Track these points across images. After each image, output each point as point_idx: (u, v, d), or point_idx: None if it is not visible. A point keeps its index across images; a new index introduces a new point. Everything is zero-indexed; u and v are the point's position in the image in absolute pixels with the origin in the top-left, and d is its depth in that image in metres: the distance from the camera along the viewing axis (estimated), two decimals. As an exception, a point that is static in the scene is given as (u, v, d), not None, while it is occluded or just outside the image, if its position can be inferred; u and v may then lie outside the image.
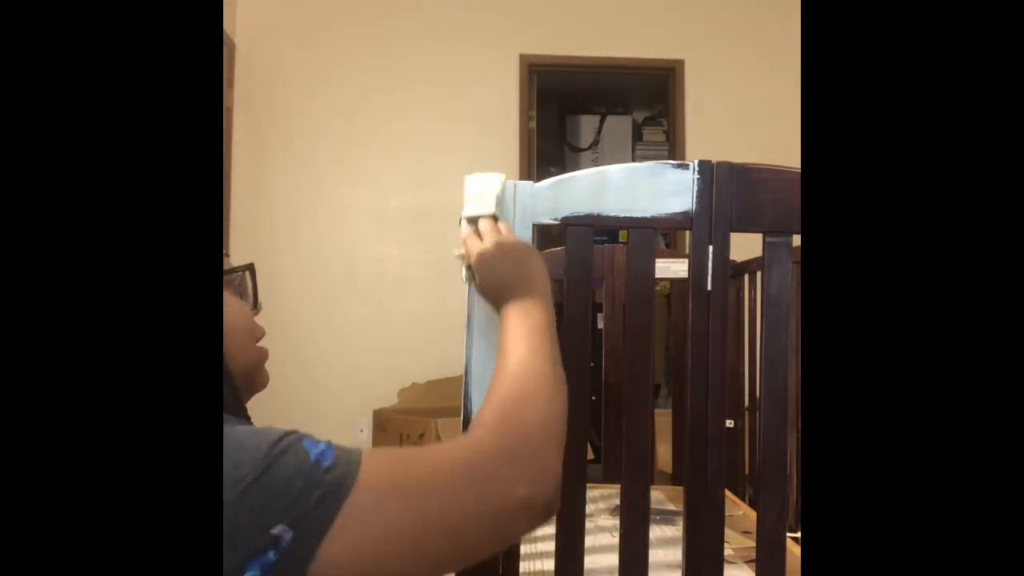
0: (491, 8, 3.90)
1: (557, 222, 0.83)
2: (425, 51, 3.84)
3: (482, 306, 0.81)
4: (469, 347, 0.81)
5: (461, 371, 0.82)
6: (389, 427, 3.25)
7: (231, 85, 3.69)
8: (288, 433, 0.54)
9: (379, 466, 0.54)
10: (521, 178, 0.81)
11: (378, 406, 3.40)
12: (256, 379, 0.72)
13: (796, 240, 0.80)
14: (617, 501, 0.79)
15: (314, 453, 0.53)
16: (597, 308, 1.93)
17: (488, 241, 0.75)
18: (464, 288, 0.81)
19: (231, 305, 0.68)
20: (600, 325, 1.94)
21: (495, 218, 0.79)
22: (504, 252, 0.74)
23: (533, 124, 3.94)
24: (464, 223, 0.79)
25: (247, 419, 0.67)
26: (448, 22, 3.87)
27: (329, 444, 0.55)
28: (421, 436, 3.06)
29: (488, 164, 4.05)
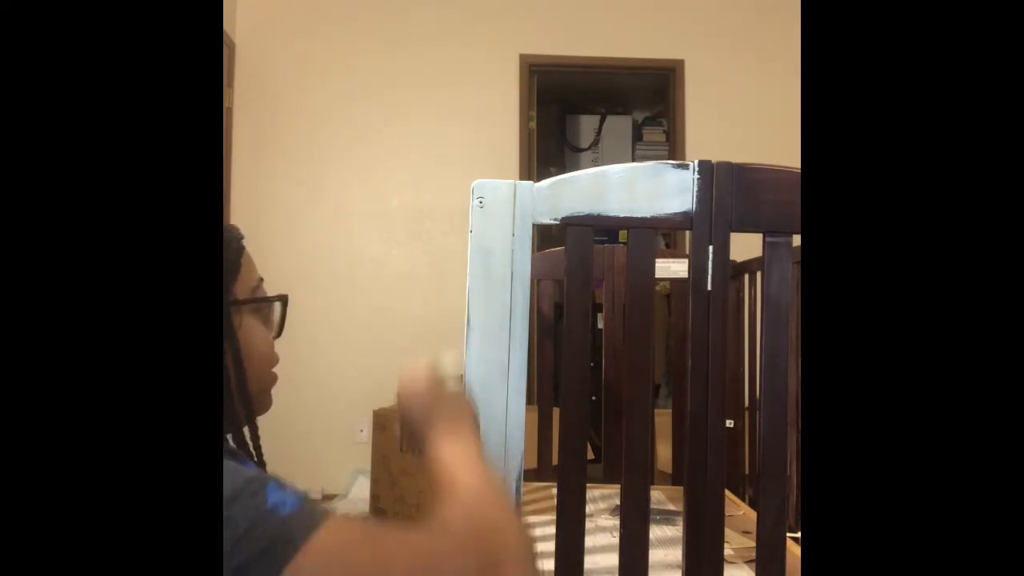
0: (491, 8, 3.90)
1: (557, 222, 0.83)
2: (425, 51, 3.84)
3: (480, 306, 0.81)
4: (469, 347, 0.81)
5: (461, 371, 0.82)
6: (389, 427, 3.25)
7: (231, 85, 3.69)
8: (256, 476, 0.52)
9: (340, 537, 0.51)
10: (521, 178, 0.81)
11: (378, 406, 3.40)
12: (262, 402, 0.73)
13: (796, 240, 0.80)
14: (617, 501, 0.80)
15: (272, 500, 0.51)
16: (597, 308, 1.94)
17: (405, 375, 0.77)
18: (464, 288, 0.81)
19: (255, 331, 0.70)
20: (600, 325, 1.94)
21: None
22: (407, 381, 0.78)
23: (533, 124, 3.94)
24: None
25: (255, 437, 0.68)
26: (448, 22, 3.87)
27: (301, 497, 0.52)
28: (421, 436, 3.06)
29: (488, 164, 4.05)
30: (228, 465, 0.53)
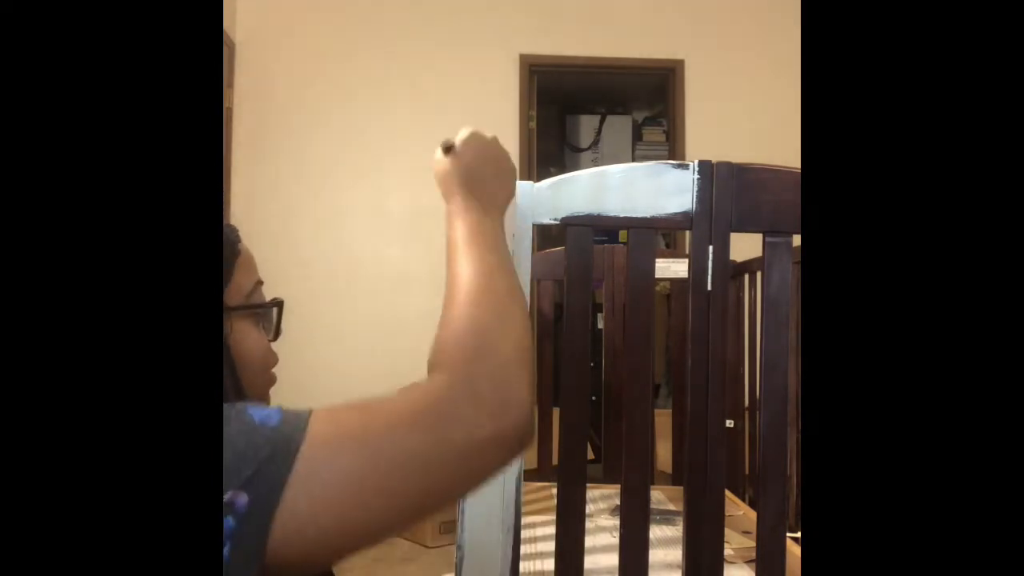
0: (491, 8, 3.90)
1: (557, 222, 0.83)
2: (425, 51, 3.84)
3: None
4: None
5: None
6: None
7: (231, 85, 3.69)
8: (233, 405, 0.53)
9: (330, 418, 0.53)
10: (521, 178, 0.81)
11: (378, 406, 3.40)
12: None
13: (796, 240, 0.80)
14: (617, 501, 0.80)
15: (259, 416, 0.52)
16: (597, 308, 1.94)
17: (485, 134, 0.75)
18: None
19: (249, 335, 0.69)
20: (600, 325, 1.94)
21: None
22: (496, 153, 0.75)
23: (533, 124, 3.94)
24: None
25: None
26: (448, 22, 3.87)
27: (279, 408, 0.54)
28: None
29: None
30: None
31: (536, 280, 1.83)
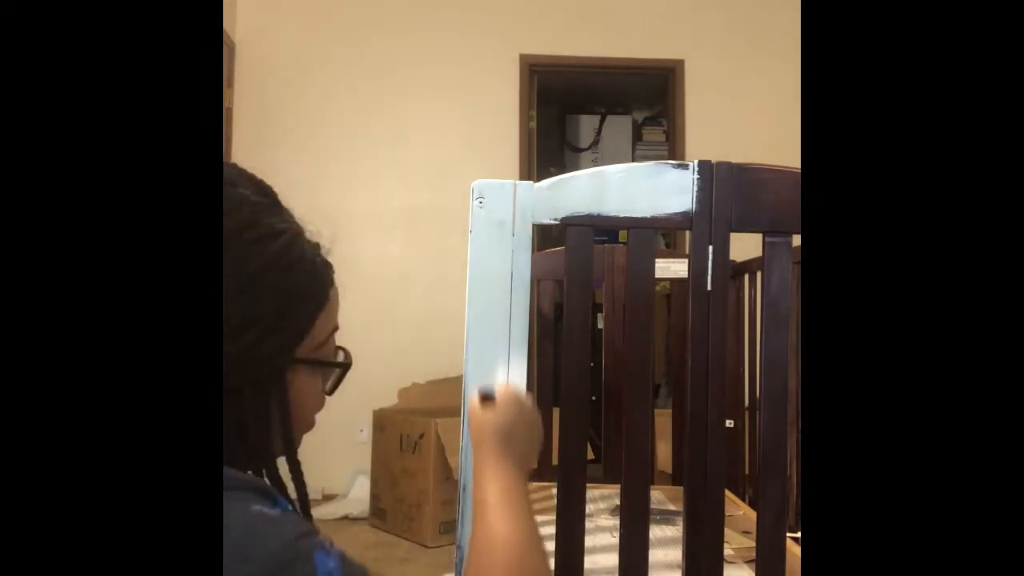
0: (491, 8, 3.90)
1: (557, 222, 0.83)
2: (425, 51, 3.84)
3: (480, 306, 0.81)
4: (469, 347, 0.81)
5: (461, 371, 0.82)
6: (389, 427, 3.25)
7: (231, 85, 3.69)
8: (302, 535, 0.52)
9: None
10: (521, 178, 0.81)
11: (378, 406, 3.39)
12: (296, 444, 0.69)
13: (796, 240, 0.80)
14: (617, 501, 0.80)
15: (322, 572, 0.50)
16: (597, 308, 1.94)
17: (522, 394, 0.75)
18: (464, 288, 0.81)
19: (309, 386, 0.66)
20: (600, 325, 1.94)
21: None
22: (531, 418, 0.75)
23: (533, 124, 3.94)
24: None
25: (304, 498, 0.65)
26: (448, 22, 3.87)
27: (340, 561, 0.52)
28: (421, 436, 3.06)
29: (488, 164, 4.05)
30: (266, 517, 0.52)
31: (536, 280, 1.83)
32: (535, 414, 0.77)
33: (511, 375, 0.81)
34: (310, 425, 0.70)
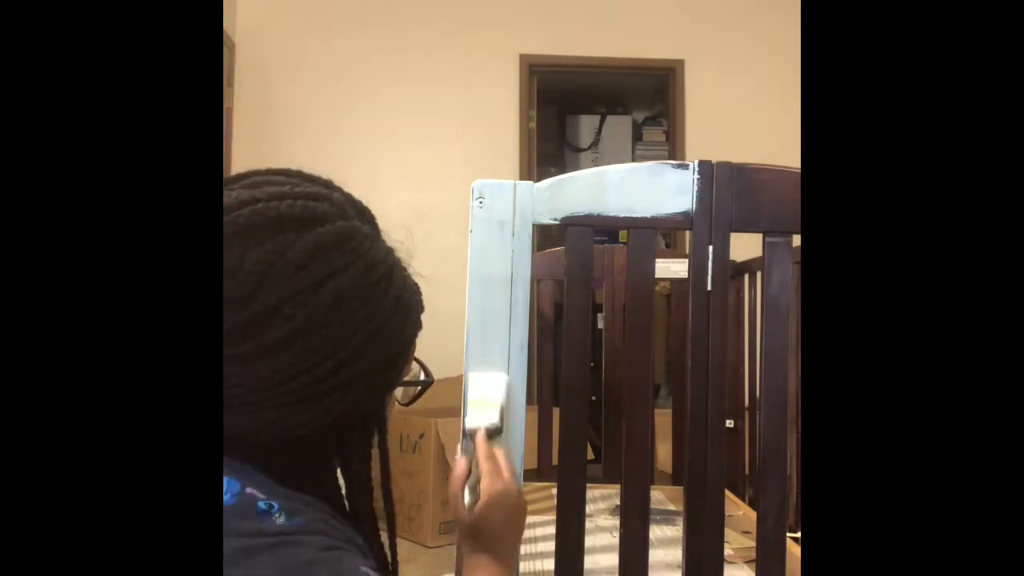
0: (491, 8, 3.90)
1: (557, 222, 0.83)
2: (425, 51, 3.84)
3: (480, 307, 0.81)
4: (469, 347, 0.81)
5: (461, 371, 0.82)
6: (389, 427, 3.25)
7: (231, 85, 3.69)
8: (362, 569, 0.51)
9: None
10: (521, 178, 0.81)
11: (378, 406, 3.40)
12: None
13: (796, 240, 0.80)
14: (617, 501, 0.80)
15: None
16: (597, 308, 1.94)
17: (511, 484, 0.71)
18: (464, 288, 0.81)
19: (392, 404, 0.65)
20: (600, 325, 1.94)
21: (499, 431, 0.76)
22: (518, 508, 0.71)
23: (533, 124, 3.94)
24: (464, 438, 0.76)
25: (392, 527, 0.64)
26: (448, 22, 3.87)
27: None
28: (421, 436, 3.06)
29: (488, 164, 4.04)
30: (316, 558, 0.51)
31: (536, 280, 1.83)
32: (522, 504, 0.73)
33: (512, 377, 0.81)
34: None
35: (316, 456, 0.58)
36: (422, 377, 0.69)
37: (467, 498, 0.72)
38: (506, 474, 0.71)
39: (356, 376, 0.55)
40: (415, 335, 0.63)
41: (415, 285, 0.64)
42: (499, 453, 0.73)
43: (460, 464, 0.74)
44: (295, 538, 0.50)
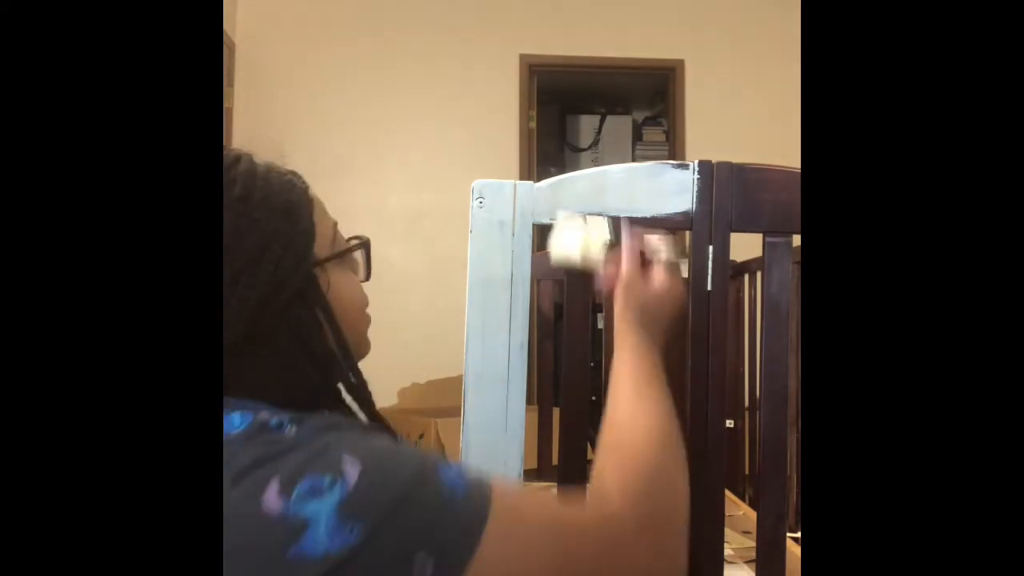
0: (491, 8, 3.90)
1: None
2: (425, 51, 3.84)
3: (480, 307, 0.81)
4: (469, 347, 0.81)
5: (461, 371, 0.82)
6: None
7: (231, 85, 3.69)
8: (426, 458, 0.53)
9: (514, 507, 0.54)
10: (521, 178, 0.81)
11: (378, 406, 3.39)
12: (361, 350, 0.69)
13: (796, 240, 0.80)
14: (617, 501, 0.80)
15: (448, 480, 0.52)
16: (597, 308, 1.93)
17: (672, 272, 0.75)
18: (464, 288, 0.81)
19: (345, 281, 0.66)
20: (600, 325, 1.93)
21: (612, 243, 0.79)
22: (676, 290, 0.75)
23: (533, 124, 3.94)
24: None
25: (370, 403, 0.66)
26: (448, 22, 3.87)
27: (460, 471, 0.54)
28: (421, 436, 3.06)
29: (488, 164, 4.04)
30: (390, 449, 0.53)
31: (536, 280, 1.83)
32: (677, 280, 0.77)
33: (511, 377, 0.81)
34: (366, 322, 0.69)
35: (286, 364, 0.59)
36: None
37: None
38: (662, 256, 0.76)
39: (242, 267, 0.56)
40: (307, 213, 0.62)
41: (274, 178, 0.63)
42: (651, 237, 0.77)
43: (624, 243, 0.78)
44: (311, 436, 0.52)
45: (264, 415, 0.53)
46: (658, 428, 0.66)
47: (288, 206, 0.60)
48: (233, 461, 0.49)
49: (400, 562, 0.48)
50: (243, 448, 0.50)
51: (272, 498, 0.47)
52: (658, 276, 0.77)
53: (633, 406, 0.68)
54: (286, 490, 0.48)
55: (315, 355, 0.60)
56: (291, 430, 0.53)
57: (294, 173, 0.65)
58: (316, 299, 0.61)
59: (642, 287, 0.76)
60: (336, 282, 0.63)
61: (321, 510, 0.47)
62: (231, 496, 0.48)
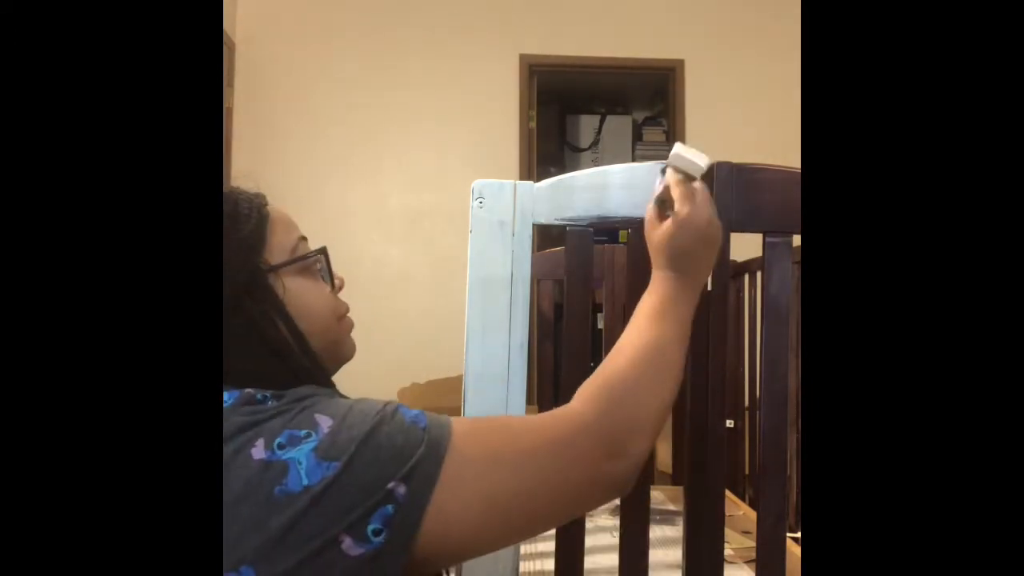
0: (491, 8, 3.90)
1: (557, 222, 0.83)
2: (425, 51, 3.84)
3: (480, 307, 0.81)
4: (469, 347, 0.81)
5: (461, 371, 0.82)
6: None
7: (231, 85, 3.69)
8: (387, 403, 0.60)
9: (472, 430, 0.59)
10: (521, 178, 0.81)
11: (378, 406, 3.39)
12: (342, 351, 0.74)
13: (796, 240, 0.80)
14: (617, 501, 0.80)
15: (409, 416, 0.58)
16: (597, 308, 1.93)
17: (703, 208, 0.75)
18: (464, 288, 0.81)
19: (309, 289, 0.70)
20: (600, 325, 1.93)
21: (695, 177, 0.77)
22: (709, 230, 0.75)
23: (533, 124, 3.94)
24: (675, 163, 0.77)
25: (328, 386, 0.69)
26: (448, 22, 3.87)
27: (421, 411, 0.60)
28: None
29: (488, 164, 4.03)
30: (355, 400, 0.60)
31: (536, 280, 1.83)
32: (707, 227, 0.76)
33: (511, 377, 0.81)
34: (345, 327, 0.74)
35: (246, 351, 0.64)
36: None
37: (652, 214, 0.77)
38: (699, 199, 0.75)
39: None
40: (256, 225, 0.68)
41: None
42: (698, 185, 0.77)
43: (657, 187, 0.79)
44: (289, 405, 0.58)
45: (249, 392, 0.59)
46: (648, 346, 0.68)
47: (235, 216, 0.66)
48: (224, 426, 0.56)
49: (375, 488, 0.54)
50: (232, 416, 0.57)
51: (258, 451, 0.54)
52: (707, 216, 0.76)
53: (635, 332, 0.70)
54: (269, 445, 0.55)
55: (269, 344, 0.65)
56: (272, 403, 0.59)
57: (257, 194, 0.72)
58: (265, 298, 0.66)
59: (693, 227, 0.75)
60: (297, 288, 0.68)
61: (299, 455, 0.54)
62: (224, 454, 0.54)
